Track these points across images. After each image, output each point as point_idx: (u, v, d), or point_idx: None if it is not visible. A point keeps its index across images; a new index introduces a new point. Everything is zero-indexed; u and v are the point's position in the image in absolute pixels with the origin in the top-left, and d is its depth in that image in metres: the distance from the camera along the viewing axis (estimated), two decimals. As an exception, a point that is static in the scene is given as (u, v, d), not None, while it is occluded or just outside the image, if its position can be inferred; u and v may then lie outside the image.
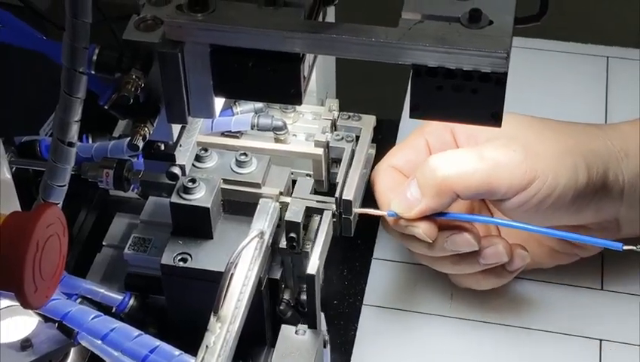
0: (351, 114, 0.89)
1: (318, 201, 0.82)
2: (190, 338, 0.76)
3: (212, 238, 0.81)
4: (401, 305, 0.91)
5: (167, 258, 0.79)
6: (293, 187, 0.84)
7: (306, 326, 0.81)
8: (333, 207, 0.82)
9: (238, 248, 0.76)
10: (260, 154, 0.83)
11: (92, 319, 0.76)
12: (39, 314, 0.79)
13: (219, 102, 0.75)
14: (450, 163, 0.82)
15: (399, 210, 0.83)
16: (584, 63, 1.10)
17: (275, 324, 0.84)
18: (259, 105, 0.89)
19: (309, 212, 0.82)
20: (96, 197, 0.95)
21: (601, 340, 0.88)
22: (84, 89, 0.67)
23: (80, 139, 0.89)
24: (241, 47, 0.69)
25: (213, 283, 0.76)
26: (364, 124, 0.89)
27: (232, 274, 0.76)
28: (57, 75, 0.67)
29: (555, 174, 0.81)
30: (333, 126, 0.88)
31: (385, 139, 1.01)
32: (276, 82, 0.71)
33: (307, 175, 0.86)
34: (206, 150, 0.82)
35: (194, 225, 0.80)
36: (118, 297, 0.83)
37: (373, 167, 0.90)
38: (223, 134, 0.89)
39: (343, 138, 0.87)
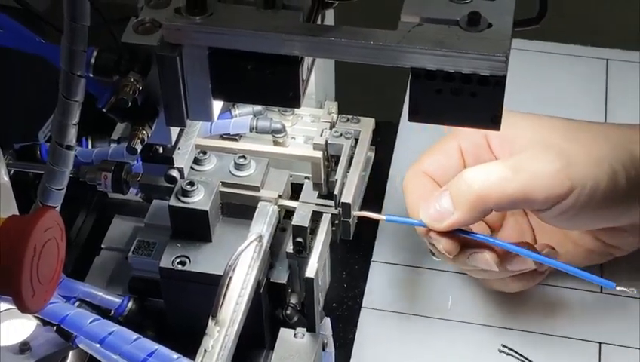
0: (350, 116, 0.89)
1: (323, 206, 0.82)
2: (189, 341, 0.75)
3: (211, 241, 0.81)
4: (400, 307, 0.91)
5: (166, 261, 0.79)
6: (292, 190, 0.84)
7: (305, 329, 0.81)
8: (334, 210, 0.82)
9: (237, 251, 0.76)
10: (258, 157, 0.83)
11: (90, 322, 0.75)
12: (37, 318, 0.79)
13: (217, 105, 0.75)
14: (486, 177, 0.80)
15: (428, 220, 0.81)
16: (583, 66, 1.10)
17: (273, 327, 0.84)
18: (257, 107, 0.89)
19: (316, 216, 0.82)
20: (94, 200, 0.95)
21: (600, 343, 0.88)
22: (83, 92, 0.66)
23: (79, 142, 0.89)
24: (239, 50, 0.69)
25: (211, 287, 0.76)
26: (363, 126, 0.89)
27: (230, 278, 0.76)
28: (55, 78, 0.67)
29: (594, 182, 0.80)
30: (332, 129, 0.88)
31: (384, 141, 1.01)
32: (275, 85, 0.71)
33: (306, 178, 0.86)
34: (204, 153, 0.82)
35: (192, 228, 0.80)
36: (117, 300, 0.83)
37: (373, 169, 0.90)
38: (221, 137, 0.89)
39: (341, 135, 0.87)
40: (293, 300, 0.83)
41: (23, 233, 0.62)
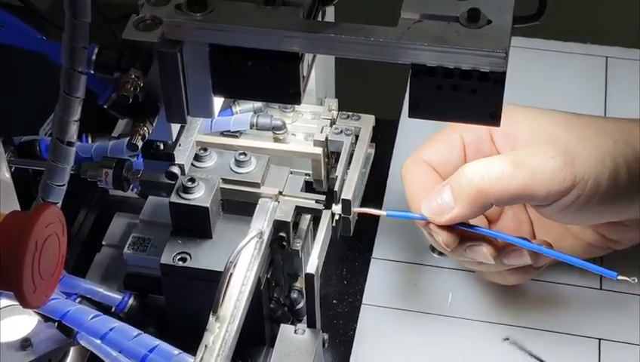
0: (350, 113, 0.89)
1: (308, 199, 0.82)
2: (189, 337, 0.76)
3: (211, 238, 0.81)
4: (400, 304, 0.91)
5: (167, 257, 0.80)
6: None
7: (305, 325, 0.81)
8: (322, 205, 0.82)
9: (238, 248, 0.76)
10: (259, 153, 0.83)
11: (91, 318, 0.76)
12: (39, 314, 0.79)
13: (218, 102, 0.75)
14: (487, 172, 0.80)
15: (429, 214, 0.81)
16: (583, 63, 1.10)
17: (274, 324, 0.84)
18: (258, 104, 0.89)
19: (300, 211, 0.82)
20: (95, 197, 0.96)
21: (600, 339, 0.88)
22: (84, 89, 0.67)
23: (79, 138, 0.89)
24: (240, 47, 0.69)
25: (212, 283, 0.76)
26: (363, 123, 0.89)
27: (231, 274, 0.76)
28: (57, 74, 0.67)
29: (596, 178, 0.80)
30: (332, 126, 0.88)
31: (384, 138, 1.01)
32: (275, 82, 0.71)
33: (306, 174, 0.86)
34: (205, 149, 0.83)
35: (193, 224, 0.80)
36: (118, 297, 0.83)
37: (373, 165, 0.90)
38: (222, 134, 0.89)
39: (342, 131, 0.87)
40: (276, 294, 0.84)
41: (25, 229, 0.62)
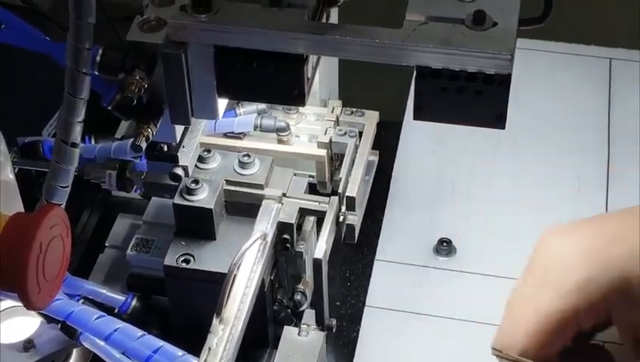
0: (354, 109, 0.89)
1: (312, 201, 0.82)
2: (192, 339, 0.76)
3: (215, 239, 0.81)
4: (403, 306, 0.91)
5: (170, 259, 0.80)
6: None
7: (309, 326, 0.81)
8: (326, 206, 0.82)
9: (241, 249, 0.76)
10: (262, 155, 0.83)
11: (95, 319, 0.76)
12: (42, 315, 0.79)
13: (222, 103, 0.75)
14: None
15: None
16: (587, 65, 1.10)
17: (277, 325, 0.84)
18: (262, 106, 0.89)
19: (303, 213, 0.82)
20: (98, 198, 0.95)
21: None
22: (88, 90, 0.67)
23: (82, 140, 0.89)
24: (244, 48, 0.69)
25: (216, 285, 0.76)
26: (367, 119, 0.89)
27: (234, 276, 0.76)
28: (59, 75, 0.67)
29: None
30: (336, 126, 0.88)
31: (387, 139, 1.01)
32: (280, 83, 0.71)
33: (310, 176, 0.86)
34: (209, 151, 0.82)
35: (197, 226, 0.80)
36: (121, 298, 0.83)
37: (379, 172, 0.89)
38: (225, 135, 0.89)
39: (345, 133, 0.87)
40: (280, 296, 0.84)
41: (29, 230, 0.62)
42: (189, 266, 0.79)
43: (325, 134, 0.86)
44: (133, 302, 0.84)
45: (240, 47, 0.69)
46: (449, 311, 0.90)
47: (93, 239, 0.93)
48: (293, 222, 0.80)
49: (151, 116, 0.73)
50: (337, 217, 0.82)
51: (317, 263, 0.79)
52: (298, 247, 0.81)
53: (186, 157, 0.79)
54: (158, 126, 0.73)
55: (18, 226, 0.63)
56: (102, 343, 0.76)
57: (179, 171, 0.79)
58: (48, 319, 0.79)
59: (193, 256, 0.80)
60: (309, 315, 0.83)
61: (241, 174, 0.82)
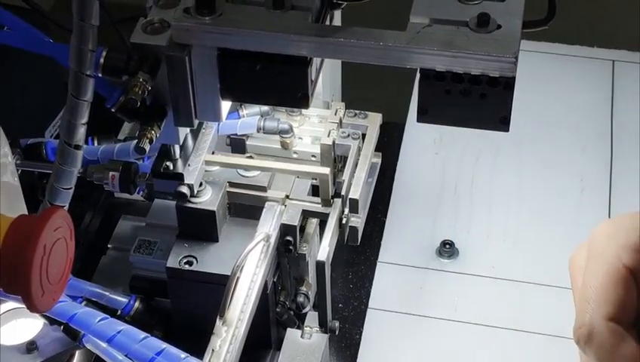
0: (357, 111, 0.89)
1: (315, 203, 0.82)
2: (196, 341, 0.76)
3: (218, 241, 0.81)
4: (406, 308, 0.91)
5: (173, 261, 0.80)
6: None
7: (312, 328, 0.81)
8: (329, 208, 0.82)
9: (244, 251, 0.76)
10: (265, 171, 0.83)
11: (99, 321, 0.75)
12: (44, 317, 0.79)
13: (226, 106, 0.75)
14: None
15: None
16: (590, 67, 1.10)
17: (280, 327, 0.84)
18: (265, 108, 0.89)
19: (306, 215, 0.82)
20: (101, 200, 0.95)
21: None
22: (92, 92, 0.67)
23: (85, 141, 0.89)
24: (248, 51, 0.69)
25: (218, 287, 0.76)
26: (370, 121, 0.89)
27: (237, 278, 0.76)
28: (62, 76, 0.67)
29: None
30: (339, 128, 0.88)
31: (390, 141, 1.01)
32: (283, 86, 0.71)
33: (313, 178, 0.86)
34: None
35: (200, 228, 0.80)
36: (124, 300, 0.83)
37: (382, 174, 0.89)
38: (228, 138, 0.89)
39: (349, 135, 0.87)
40: (283, 298, 0.84)
41: (33, 232, 0.62)
42: (191, 268, 0.79)
43: (328, 136, 0.86)
44: (136, 304, 0.84)
45: (244, 50, 0.69)
46: (451, 313, 0.90)
47: (96, 241, 0.93)
48: (296, 224, 0.80)
49: (154, 118, 0.73)
50: (340, 219, 0.82)
51: (320, 265, 0.79)
52: (301, 249, 0.81)
53: (192, 175, 0.79)
54: (161, 128, 0.73)
55: (21, 228, 0.63)
56: (105, 345, 0.76)
57: (184, 189, 0.79)
58: (51, 321, 0.79)
59: (196, 258, 0.80)
60: (311, 317, 0.83)
61: (244, 176, 0.82)
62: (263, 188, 0.82)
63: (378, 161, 0.92)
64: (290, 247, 0.81)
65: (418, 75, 0.68)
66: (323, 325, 0.82)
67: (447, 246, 0.93)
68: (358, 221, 0.84)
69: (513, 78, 0.67)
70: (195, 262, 0.79)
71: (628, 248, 0.65)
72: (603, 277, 0.66)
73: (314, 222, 0.83)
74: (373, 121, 0.89)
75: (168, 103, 0.73)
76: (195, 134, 0.80)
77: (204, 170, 0.81)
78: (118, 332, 0.74)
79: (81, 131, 0.68)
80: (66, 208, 0.70)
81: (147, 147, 0.72)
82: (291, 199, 0.82)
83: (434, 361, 0.87)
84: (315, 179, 0.86)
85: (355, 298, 0.91)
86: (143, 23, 0.71)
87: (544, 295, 0.91)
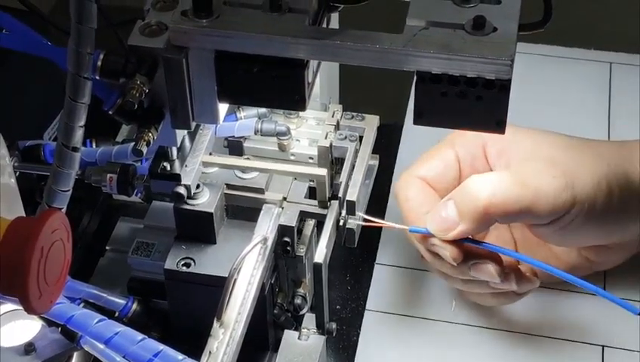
0: (354, 113, 0.89)
1: (312, 205, 0.82)
2: (193, 343, 0.76)
3: (215, 243, 0.81)
4: (403, 310, 0.91)
5: (171, 263, 0.80)
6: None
7: (309, 331, 0.81)
8: (327, 211, 0.82)
9: (242, 253, 0.76)
10: (263, 172, 0.83)
11: (96, 323, 0.76)
12: (42, 319, 0.79)
13: (223, 108, 0.75)
14: (492, 189, 0.79)
15: (435, 230, 0.81)
16: (587, 69, 1.11)
17: (277, 329, 0.84)
18: (262, 110, 0.89)
19: (304, 216, 0.82)
20: (99, 202, 0.96)
21: (603, 346, 0.88)
22: (89, 94, 0.67)
23: (83, 144, 0.89)
24: (245, 53, 0.69)
25: (216, 288, 0.76)
26: (367, 124, 0.89)
27: (235, 280, 0.76)
28: (60, 79, 0.67)
29: (592, 201, 0.80)
30: (337, 130, 0.88)
31: (388, 143, 1.01)
32: (280, 88, 0.71)
33: (310, 180, 0.86)
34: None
35: (197, 230, 0.80)
36: (121, 301, 0.84)
37: (379, 176, 0.89)
38: (226, 140, 0.89)
39: (346, 137, 0.87)
40: (280, 300, 0.84)
41: (30, 235, 0.62)
42: (189, 270, 0.79)
43: (326, 138, 0.86)
44: (134, 306, 0.84)
45: (241, 52, 0.69)
46: (449, 316, 0.90)
47: (94, 242, 0.93)
48: (293, 225, 0.80)
49: (152, 120, 0.73)
50: (337, 221, 0.82)
51: (317, 267, 0.79)
52: (298, 251, 0.81)
53: (189, 176, 0.79)
54: (159, 130, 0.74)
55: (19, 230, 0.63)
56: (102, 347, 0.76)
57: (181, 190, 0.79)
58: (49, 322, 0.79)
59: (194, 260, 0.80)
60: (309, 319, 0.83)
61: (241, 178, 0.82)
62: (261, 191, 0.82)
63: (375, 162, 0.92)
64: (288, 248, 0.81)
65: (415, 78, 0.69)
66: (320, 327, 0.82)
67: (445, 248, 0.93)
68: (356, 223, 0.84)
69: (509, 81, 0.67)
70: (192, 263, 0.80)
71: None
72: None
73: (311, 224, 0.83)
74: (371, 123, 0.89)
75: (166, 106, 0.73)
76: (193, 135, 0.81)
77: (201, 170, 0.81)
78: (116, 333, 0.74)
79: (79, 134, 0.68)
80: (63, 210, 0.70)
81: (144, 149, 0.72)
82: (289, 201, 0.82)
83: (431, 363, 0.87)
84: (313, 181, 0.86)
85: (352, 299, 0.92)
86: (141, 26, 0.72)
87: (542, 297, 0.91)
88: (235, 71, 0.71)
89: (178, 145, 0.78)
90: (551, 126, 0.87)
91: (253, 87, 0.71)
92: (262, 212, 0.81)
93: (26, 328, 0.80)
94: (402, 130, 1.04)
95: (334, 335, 0.84)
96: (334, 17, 0.77)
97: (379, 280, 0.93)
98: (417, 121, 0.71)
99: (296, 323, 0.84)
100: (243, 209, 0.82)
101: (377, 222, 0.83)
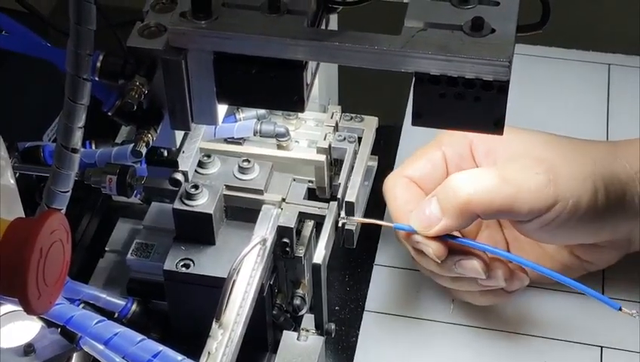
0: (353, 115, 0.90)
1: (311, 206, 0.82)
2: (192, 343, 0.76)
3: (214, 244, 0.81)
4: (402, 311, 0.91)
5: (170, 264, 0.80)
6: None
7: (308, 332, 0.81)
8: (326, 211, 0.82)
9: (241, 254, 0.77)
10: (262, 160, 0.83)
11: (96, 323, 0.76)
12: (42, 319, 0.79)
13: (222, 109, 0.75)
14: (473, 185, 0.80)
15: (418, 227, 0.82)
16: (585, 70, 1.11)
17: (276, 330, 0.84)
18: (261, 111, 0.89)
19: (303, 217, 0.82)
20: (98, 203, 0.96)
21: (602, 347, 0.88)
22: (88, 96, 0.67)
23: (83, 145, 0.89)
24: (244, 55, 0.70)
25: (215, 289, 0.76)
26: (366, 125, 0.89)
27: (234, 281, 0.76)
28: (60, 80, 0.67)
29: (577, 199, 0.81)
30: (335, 131, 0.89)
31: (387, 144, 1.01)
32: (279, 89, 0.71)
33: (309, 181, 0.87)
34: (209, 156, 0.83)
35: (196, 231, 0.81)
36: (121, 302, 0.84)
37: (378, 177, 0.90)
38: (225, 140, 0.89)
39: (345, 138, 0.87)
40: (279, 301, 0.84)
41: (30, 235, 0.63)
42: (188, 271, 0.79)
43: (324, 140, 0.87)
44: (133, 307, 0.84)
45: (240, 54, 0.70)
46: (448, 316, 0.90)
47: (94, 243, 0.93)
48: (292, 226, 0.81)
49: (151, 122, 0.73)
50: (336, 222, 0.83)
51: (316, 268, 0.79)
52: (297, 252, 0.82)
53: (186, 162, 0.80)
54: (158, 131, 0.74)
55: (18, 231, 0.63)
56: (102, 347, 0.76)
57: (178, 176, 0.80)
58: (48, 323, 0.79)
59: (193, 261, 0.80)
60: (308, 320, 0.83)
61: (240, 179, 0.82)
62: (260, 191, 0.82)
63: (374, 164, 0.92)
64: (287, 249, 0.81)
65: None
66: (319, 327, 0.83)
67: (444, 248, 0.93)
68: (354, 224, 0.84)
69: (507, 82, 0.67)
70: (191, 264, 0.80)
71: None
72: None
73: (310, 225, 0.84)
74: (370, 125, 0.89)
75: (165, 107, 0.73)
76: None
77: (198, 157, 0.81)
78: (115, 334, 0.75)
79: (78, 135, 0.68)
80: (63, 211, 0.70)
81: (144, 150, 0.73)
82: (288, 202, 0.82)
83: (430, 363, 0.87)
84: (312, 182, 0.87)
85: (351, 300, 0.92)
86: (140, 27, 0.72)
87: (540, 298, 0.91)
88: (233, 72, 0.71)
89: (177, 146, 0.78)
90: (549, 127, 0.87)
91: (252, 88, 0.71)
92: (261, 213, 0.81)
93: (25, 329, 0.80)
94: (401, 131, 1.04)
95: (333, 335, 0.84)
96: (333, 19, 0.77)
97: (378, 281, 0.93)
98: (416, 122, 0.71)
99: (295, 324, 0.84)
100: (242, 210, 0.82)
101: (361, 220, 0.84)
